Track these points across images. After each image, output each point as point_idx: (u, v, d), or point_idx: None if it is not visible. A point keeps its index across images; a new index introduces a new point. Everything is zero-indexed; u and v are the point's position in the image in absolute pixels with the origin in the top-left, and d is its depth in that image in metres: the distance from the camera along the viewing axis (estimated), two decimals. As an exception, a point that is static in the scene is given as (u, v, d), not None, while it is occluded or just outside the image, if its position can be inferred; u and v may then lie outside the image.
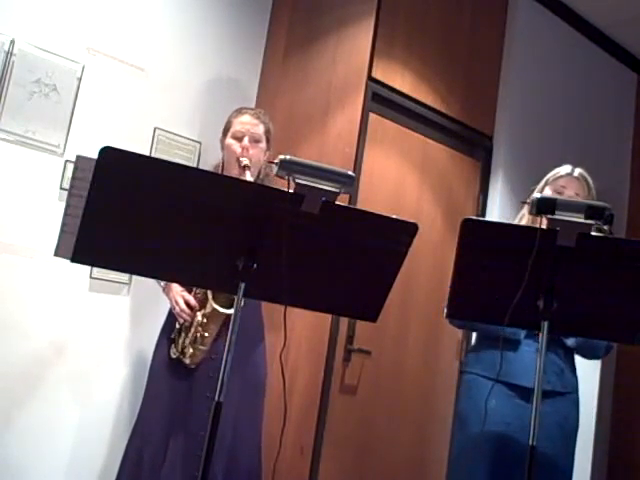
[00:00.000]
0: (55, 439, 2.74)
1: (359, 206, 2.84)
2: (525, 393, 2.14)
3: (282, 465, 2.69)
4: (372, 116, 3.09)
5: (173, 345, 2.42)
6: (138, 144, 2.95)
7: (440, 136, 3.40)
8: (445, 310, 1.81)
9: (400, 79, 3.19)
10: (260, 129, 2.53)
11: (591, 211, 1.61)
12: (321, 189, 1.55)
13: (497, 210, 3.53)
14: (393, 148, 3.22)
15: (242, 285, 1.59)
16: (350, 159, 2.96)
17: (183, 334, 2.41)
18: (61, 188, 2.74)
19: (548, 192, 2.30)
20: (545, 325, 1.68)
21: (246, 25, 3.41)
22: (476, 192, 3.57)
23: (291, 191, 1.53)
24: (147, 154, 2.93)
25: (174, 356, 2.41)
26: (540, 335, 1.69)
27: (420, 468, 3.25)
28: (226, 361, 1.56)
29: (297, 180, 1.53)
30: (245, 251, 1.59)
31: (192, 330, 2.38)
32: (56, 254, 1.96)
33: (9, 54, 2.65)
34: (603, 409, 3.95)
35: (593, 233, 1.64)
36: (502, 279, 1.74)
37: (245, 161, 2.40)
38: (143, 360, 2.80)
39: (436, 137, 3.38)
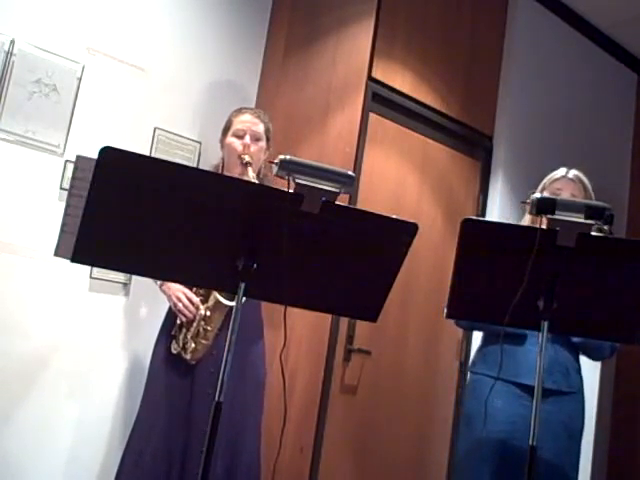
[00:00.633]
0: (54, 438, 2.74)
1: (359, 206, 2.84)
2: (531, 393, 2.14)
3: (282, 465, 2.69)
4: (372, 116, 3.09)
5: (174, 341, 2.43)
6: (138, 144, 2.95)
7: (440, 136, 3.40)
8: (445, 310, 1.81)
9: (400, 79, 3.19)
10: (260, 128, 2.55)
11: (591, 211, 1.61)
12: (321, 189, 1.55)
13: (497, 210, 3.53)
14: (393, 148, 3.22)
15: (242, 285, 1.59)
16: (350, 159, 2.96)
17: (184, 329, 2.41)
18: (61, 188, 2.74)
19: None
20: (545, 325, 1.69)
21: (246, 25, 3.41)
22: (476, 192, 3.58)
23: (291, 191, 1.53)
24: (147, 154, 2.93)
25: (175, 351, 2.41)
26: (540, 335, 1.69)
27: (420, 468, 3.25)
28: (226, 360, 1.56)
29: (297, 180, 1.53)
30: (245, 251, 1.59)
31: (194, 324, 2.38)
32: (56, 254, 1.96)
33: (9, 54, 2.65)
34: (603, 409, 3.95)
35: (593, 233, 1.65)
36: (502, 279, 1.74)
37: (247, 158, 2.42)
38: (142, 360, 2.80)
39: (436, 137, 3.38)
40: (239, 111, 2.61)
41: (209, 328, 2.38)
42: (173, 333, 2.44)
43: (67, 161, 2.77)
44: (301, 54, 3.33)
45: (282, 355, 1.87)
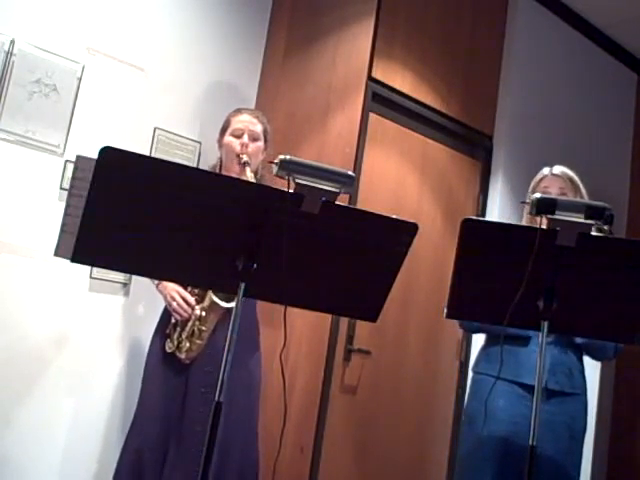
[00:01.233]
0: (54, 437, 2.74)
1: (359, 206, 2.84)
2: (533, 392, 2.14)
3: (282, 465, 2.69)
4: (372, 116, 3.09)
5: (168, 339, 2.43)
6: (138, 144, 2.95)
7: (440, 136, 3.40)
8: (445, 310, 1.81)
9: (400, 79, 3.19)
10: (258, 128, 2.55)
11: (591, 211, 1.61)
12: (321, 189, 1.55)
13: (497, 210, 3.53)
14: (393, 148, 3.22)
15: (242, 285, 1.59)
16: (350, 159, 2.96)
17: (179, 328, 2.41)
18: (61, 188, 2.74)
19: None
20: (545, 325, 1.69)
21: (246, 25, 3.41)
22: (476, 192, 3.58)
23: (291, 191, 1.53)
24: (147, 154, 2.93)
25: (169, 350, 2.41)
26: (540, 335, 1.69)
27: (420, 468, 3.25)
28: (226, 360, 1.56)
29: (297, 180, 1.53)
30: (245, 251, 1.59)
31: (189, 324, 2.38)
32: (56, 254, 1.96)
33: (9, 54, 2.65)
34: (603, 409, 3.95)
35: (593, 233, 1.65)
36: (502, 279, 1.74)
37: (245, 157, 2.42)
38: (142, 359, 2.79)
39: (436, 137, 3.38)
40: (237, 111, 2.61)
41: (204, 328, 2.38)
42: (167, 332, 2.44)
43: (67, 161, 2.77)
44: (301, 54, 3.33)
45: (282, 355, 1.87)
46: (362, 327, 2.98)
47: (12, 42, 2.66)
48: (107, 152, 1.44)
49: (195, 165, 3.07)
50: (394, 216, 1.65)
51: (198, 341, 2.38)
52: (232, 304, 2.23)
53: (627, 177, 4.43)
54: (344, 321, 2.95)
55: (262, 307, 2.57)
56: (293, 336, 2.89)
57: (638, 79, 4.52)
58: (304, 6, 3.40)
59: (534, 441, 1.65)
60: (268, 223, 1.58)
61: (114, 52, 2.94)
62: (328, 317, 2.87)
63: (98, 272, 2.85)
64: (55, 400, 2.75)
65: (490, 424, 2.13)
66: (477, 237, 1.72)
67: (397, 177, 3.22)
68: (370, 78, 3.05)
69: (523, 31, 3.72)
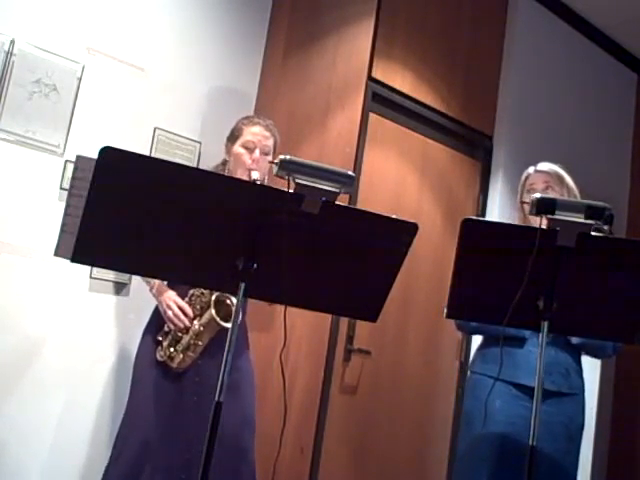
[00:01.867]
0: (54, 438, 2.74)
1: (359, 206, 2.84)
2: (530, 393, 2.13)
3: (282, 465, 2.69)
4: (372, 116, 3.09)
5: (160, 348, 2.39)
6: (138, 144, 2.95)
7: (440, 136, 3.40)
8: (445, 310, 1.81)
9: (400, 79, 3.19)
10: (270, 142, 2.50)
11: (591, 211, 1.61)
12: (321, 189, 1.55)
13: (497, 210, 3.53)
14: (393, 148, 3.22)
15: (242, 285, 1.59)
16: (350, 159, 2.96)
17: (171, 338, 2.37)
18: (61, 188, 2.74)
19: (526, 197, 2.32)
20: (545, 325, 1.68)
21: (246, 25, 3.41)
22: (476, 192, 3.58)
23: (291, 191, 1.53)
24: (147, 154, 2.93)
25: (160, 359, 2.37)
26: (540, 335, 1.69)
27: (420, 468, 3.25)
28: (226, 361, 1.56)
29: (297, 180, 1.53)
30: (245, 251, 1.59)
31: (186, 337, 2.36)
32: (56, 254, 1.96)
33: (9, 54, 2.65)
34: (603, 409, 3.95)
35: (593, 233, 1.65)
36: (502, 279, 1.74)
37: (255, 175, 2.35)
38: (143, 360, 2.80)
39: (436, 137, 3.39)
40: (250, 120, 2.55)
41: (200, 343, 2.34)
42: (159, 339, 2.40)
43: (67, 161, 2.77)
44: (301, 54, 3.33)
45: (282, 355, 1.88)
46: (362, 327, 2.98)
47: (12, 42, 2.66)
48: (107, 152, 1.44)
49: (195, 165, 3.07)
50: (394, 216, 1.65)
51: (191, 354, 2.34)
52: (227, 324, 2.23)
53: (627, 177, 4.43)
54: (344, 321, 2.95)
55: (260, 309, 2.56)
56: (293, 336, 2.88)
57: (638, 79, 4.52)
58: (304, 6, 3.40)
59: (534, 441, 1.65)
60: (268, 223, 1.58)
61: (114, 52, 2.94)
62: (328, 317, 2.87)
63: (98, 272, 2.85)
64: (55, 400, 2.75)
65: (487, 424, 2.13)
66: (477, 237, 1.72)
67: (397, 177, 3.22)
68: (370, 78, 3.05)
69: (523, 31, 3.72)
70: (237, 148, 2.49)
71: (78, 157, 1.96)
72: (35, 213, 2.70)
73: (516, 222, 2.36)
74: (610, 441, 4.04)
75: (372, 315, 1.77)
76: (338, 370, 2.95)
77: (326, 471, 2.87)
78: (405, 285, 3.07)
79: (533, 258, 1.63)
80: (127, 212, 1.54)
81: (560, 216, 1.62)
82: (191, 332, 2.35)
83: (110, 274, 2.88)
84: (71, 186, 1.96)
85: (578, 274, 1.71)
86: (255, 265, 1.59)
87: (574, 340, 2.22)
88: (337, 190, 1.56)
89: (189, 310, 2.37)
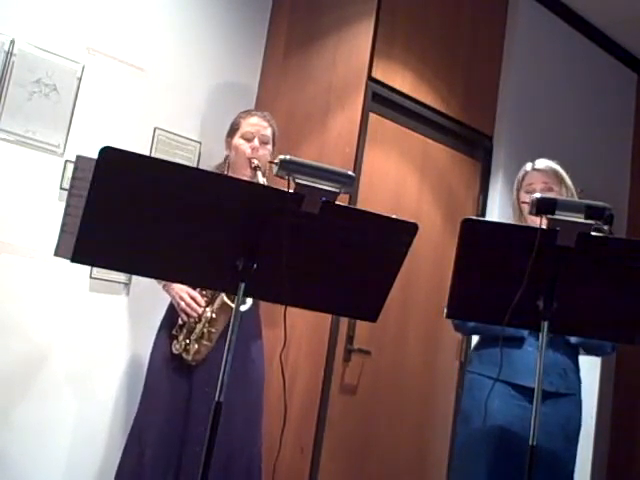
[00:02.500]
0: (54, 438, 2.74)
1: (359, 206, 2.84)
2: (528, 394, 2.13)
3: (282, 465, 2.69)
4: (372, 116, 3.09)
5: (175, 341, 2.43)
6: (138, 144, 2.95)
7: (440, 136, 3.40)
8: (445, 310, 1.81)
9: (400, 79, 3.19)
10: (268, 131, 2.58)
11: (591, 211, 1.61)
12: (321, 189, 1.55)
13: (497, 210, 3.53)
14: (393, 148, 3.22)
15: (242, 285, 1.59)
16: (350, 159, 2.96)
17: (185, 330, 2.41)
18: (61, 188, 2.74)
19: (523, 196, 2.31)
20: (545, 325, 1.68)
21: (246, 25, 3.41)
22: (476, 192, 3.58)
23: (291, 191, 1.53)
24: (147, 154, 2.93)
25: (176, 352, 2.41)
26: (540, 335, 1.69)
27: (420, 468, 3.25)
28: (226, 361, 1.56)
29: (297, 180, 1.53)
30: (245, 251, 1.59)
31: (199, 326, 2.38)
32: (56, 254, 1.96)
33: (9, 54, 2.65)
34: (603, 409, 3.95)
35: (593, 233, 1.64)
36: (502, 279, 1.74)
37: (256, 162, 2.44)
38: (142, 360, 2.80)
39: (436, 137, 3.38)
40: (247, 113, 2.64)
41: (213, 330, 2.39)
42: (174, 332, 2.44)
43: (67, 161, 2.77)
44: (301, 54, 3.33)
45: (282, 355, 1.88)
46: (362, 327, 2.98)
47: (12, 42, 2.66)
48: (107, 152, 1.44)
49: (195, 165, 3.07)
50: (394, 216, 1.65)
51: (207, 343, 2.38)
52: (245, 306, 2.24)
53: (627, 177, 4.43)
54: (344, 321, 2.95)
55: (262, 306, 2.57)
56: (293, 336, 2.88)
57: (638, 79, 4.52)
58: (304, 6, 3.40)
59: (534, 441, 1.65)
60: (268, 223, 1.58)
61: (114, 52, 2.94)
62: (328, 317, 2.87)
63: (98, 272, 2.85)
64: (55, 400, 2.74)
65: (486, 424, 2.12)
66: (477, 237, 1.72)
67: (397, 177, 3.22)
68: (370, 78, 3.05)
69: (523, 31, 3.72)
70: (236, 140, 2.56)
71: (78, 157, 1.96)
72: (35, 213, 2.70)
73: (511, 221, 2.35)
74: (610, 441, 4.03)
75: (372, 315, 1.77)
76: (338, 370, 2.95)
77: (326, 471, 2.87)
78: (405, 285, 3.07)
79: (533, 258, 1.63)
80: (127, 212, 1.54)
81: (560, 216, 1.62)
82: (203, 319, 2.37)
83: (110, 274, 2.88)
84: (71, 186, 1.96)
85: (578, 274, 1.71)
86: (255, 265, 1.59)
87: (573, 340, 2.21)
88: (337, 190, 1.56)
89: (200, 298, 2.40)
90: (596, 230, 1.65)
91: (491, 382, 2.12)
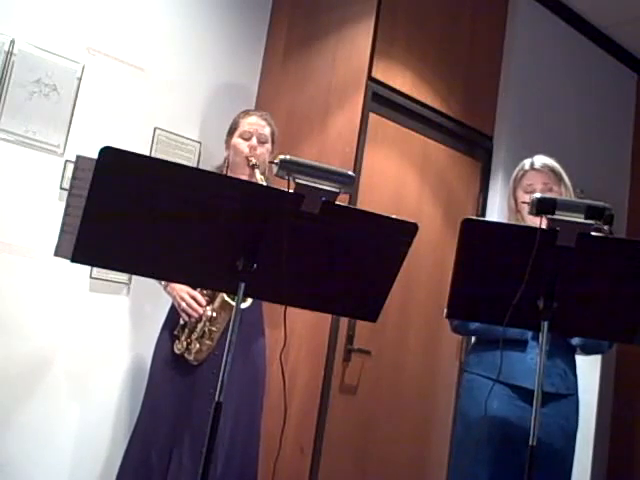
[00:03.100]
0: (55, 438, 2.74)
1: (359, 206, 2.84)
2: (527, 395, 2.12)
3: (282, 465, 2.69)
4: (372, 116, 3.09)
5: (177, 341, 2.43)
6: (138, 144, 2.95)
7: (440, 136, 3.40)
8: (445, 310, 1.81)
9: (400, 79, 3.19)
10: (267, 130, 2.59)
11: (591, 211, 1.61)
12: (321, 189, 1.55)
13: (497, 210, 3.53)
14: (393, 148, 3.22)
15: (242, 285, 1.59)
16: (350, 159, 2.96)
17: (187, 330, 2.42)
18: (61, 188, 2.74)
19: (522, 196, 2.30)
20: (545, 325, 1.68)
21: (246, 25, 3.41)
22: (476, 192, 3.58)
23: (291, 191, 1.53)
24: (147, 154, 2.93)
25: (178, 352, 2.41)
26: (540, 335, 1.69)
27: (420, 468, 3.25)
28: (226, 361, 1.56)
29: (297, 180, 1.53)
30: (245, 251, 1.59)
31: (200, 325, 2.39)
32: (56, 254, 1.96)
33: (9, 54, 2.65)
34: (603, 409, 3.95)
35: (593, 233, 1.64)
36: (502, 279, 1.74)
37: (254, 160, 2.46)
38: (143, 360, 2.81)
39: (436, 137, 3.38)
40: (246, 113, 2.65)
41: (214, 329, 2.39)
42: (175, 333, 2.44)
43: (67, 161, 2.77)
44: (301, 54, 3.33)
45: (282, 355, 1.88)
46: (362, 327, 2.98)
47: (12, 42, 2.66)
48: (107, 152, 1.44)
49: (195, 165, 3.07)
50: (394, 216, 1.65)
51: (208, 342, 2.38)
52: (245, 304, 2.24)
53: (627, 177, 4.43)
54: (344, 321, 2.95)
55: (264, 306, 2.57)
56: (293, 336, 2.88)
57: (638, 79, 4.52)
58: (304, 6, 3.40)
59: (534, 441, 1.65)
60: (268, 223, 1.58)
61: (114, 52, 2.94)
62: (328, 317, 2.87)
63: (98, 272, 2.85)
64: (56, 400, 2.75)
65: (485, 425, 2.11)
66: (477, 237, 1.72)
67: (397, 177, 3.22)
68: (370, 78, 3.05)
69: (523, 31, 3.72)
70: (235, 139, 2.57)
71: (78, 157, 1.95)
72: (35, 213, 2.70)
73: (506, 220, 2.35)
74: (610, 441, 4.04)
75: (372, 315, 1.77)
76: (338, 370, 2.95)
77: (326, 471, 2.87)
78: (405, 285, 3.07)
79: (533, 258, 1.63)
80: (127, 212, 1.54)
81: (560, 216, 1.62)
82: (204, 318, 2.38)
83: (110, 274, 2.88)
84: (71, 186, 1.95)
85: (578, 274, 1.71)
86: (255, 265, 1.59)
87: (574, 341, 2.21)
88: (337, 190, 1.56)
89: (201, 298, 2.40)
90: (596, 230, 1.65)
91: (490, 383, 2.12)
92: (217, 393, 1.54)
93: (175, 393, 2.40)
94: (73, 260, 1.54)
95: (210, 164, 2.75)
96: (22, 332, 2.66)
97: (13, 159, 2.67)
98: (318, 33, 3.28)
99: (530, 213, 1.67)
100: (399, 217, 1.65)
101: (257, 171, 2.38)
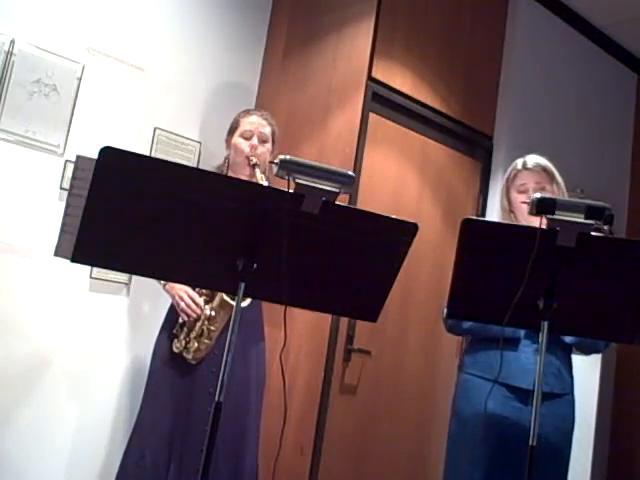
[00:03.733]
0: (55, 438, 2.74)
1: (359, 206, 2.84)
2: (523, 395, 2.13)
3: (282, 465, 2.69)
4: (372, 116, 3.09)
5: (176, 340, 2.43)
6: (138, 144, 2.95)
7: (440, 136, 3.40)
8: (445, 310, 1.81)
9: (400, 79, 3.19)
10: (267, 130, 2.59)
11: (591, 211, 1.61)
12: (321, 189, 1.55)
13: (497, 210, 3.50)
14: (393, 148, 3.22)
15: (242, 285, 1.59)
16: (350, 159, 2.96)
17: (186, 329, 2.42)
18: (61, 188, 2.74)
19: (516, 196, 2.30)
20: (545, 325, 1.68)
21: (246, 25, 3.41)
22: (476, 192, 3.58)
23: (291, 191, 1.53)
24: (147, 154, 2.93)
25: (177, 350, 2.41)
26: (540, 335, 1.69)
27: (420, 468, 3.25)
28: (226, 361, 1.56)
29: (297, 180, 1.53)
30: (245, 251, 1.59)
31: (199, 324, 2.39)
32: (56, 254, 1.96)
33: (9, 54, 2.65)
34: (603, 409, 3.95)
35: (593, 233, 1.64)
36: (502, 279, 1.73)
37: (254, 160, 2.46)
38: (143, 360, 2.80)
39: (436, 137, 3.38)
40: (246, 112, 2.65)
41: (213, 328, 2.39)
42: (174, 332, 2.44)
43: (67, 161, 2.77)
44: (301, 54, 3.33)
45: (282, 355, 1.88)
46: (362, 327, 2.98)
47: (12, 42, 2.66)
48: (107, 152, 1.44)
49: (195, 165, 3.07)
50: (394, 216, 1.65)
51: (206, 341, 2.38)
52: (244, 303, 2.24)
53: (627, 177, 4.43)
54: (344, 321, 2.95)
55: (263, 305, 2.57)
56: (293, 336, 2.89)
57: (638, 79, 4.52)
58: (304, 6, 3.40)
59: (534, 441, 1.65)
60: (268, 223, 1.58)
61: (114, 52, 2.94)
62: (328, 317, 2.87)
63: (98, 272, 2.85)
64: (56, 400, 2.75)
65: (481, 426, 2.11)
66: (477, 237, 1.71)
67: (397, 177, 3.22)
68: (370, 78, 3.05)
69: (523, 31, 3.72)
70: (235, 139, 2.57)
71: (78, 157, 1.95)
72: (35, 213, 2.70)
73: (499, 220, 2.34)
74: (610, 441, 4.03)
75: (372, 315, 1.77)
76: (338, 370, 2.95)
77: (326, 471, 2.87)
78: (405, 285, 3.07)
79: (533, 258, 1.63)
80: (127, 212, 1.54)
81: (560, 216, 1.62)
82: (203, 317, 2.38)
83: (110, 274, 2.88)
84: (71, 186, 1.95)
85: (578, 274, 1.71)
86: (255, 265, 1.59)
87: (568, 339, 2.20)
88: (337, 190, 1.56)
89: (199, 299, 2.40)
90: (596, 230, 1.65)
91: (486, 383, 2.11)
92: (217, 393, 1.54)
93: (174, 392, 2.40)
94: (73, 260, 1.54)
95: (210, 164, 2.75)
96: (22, 332, 2.66)
97: (13, 159, 2.67)
98: (318, 33, 3.28)
99: (530, 213, 1.66)
100: (399, 217, 1.65)
101: (258, 170, 2.39)
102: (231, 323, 1.60)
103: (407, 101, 3.24)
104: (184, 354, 2.40)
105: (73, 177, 1.95)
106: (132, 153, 1.48)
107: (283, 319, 1.64)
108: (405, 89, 3.21)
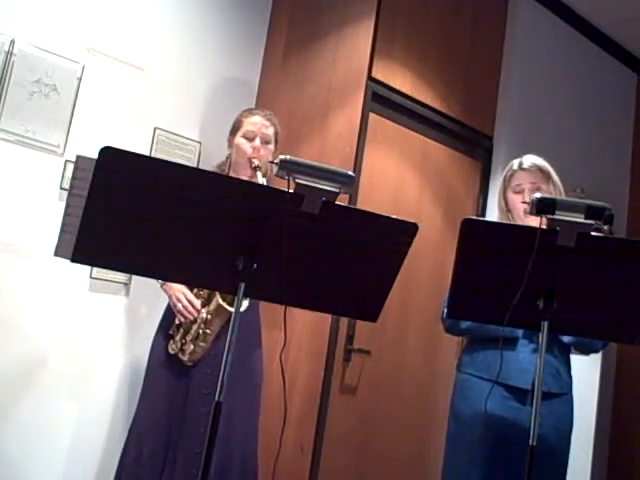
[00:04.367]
0: (54, 438, 2.75)
1: (359, 206, 2.84)
2: (521, 395, 2.12)
3: (282, 465, 2.68)
4: (372, 116, 3.09)
5: (172, 341, 2.43)
6: (138, 144, 2.95)
7: (440, 136, 3.40)
8: (445, 310, 1.81)
9: (400, 79, 3.19)
10: (270, 131, 2.56)
11: (591, 211, 1.61)
12: (321, 189, 1.55)
13: (497, 210, 3.52)
14: (393, 148, 3.22)
15: (242, 285, 1.59)
16: (350, 159, 2.96)
17: (182, 330, 2.41)
18: (61, 188, 2.74)
19: (512, 197, 2.30)
20: (545, 325, 1.68)
21: (246, 25, 3.41)
22: (476, 192, 3.58)
23: (291, 191, 1.53)
24: (147, 154, 2.93)
25: (172, 352, 2.41)
26: (540, 335, 1.69)
27: (420, 468, 3.25)
28: (226, 361, 1.56)
29: (297, 180, 1.53)
30: (245, 251, 1.59)
31: (195, 327, 2.38)
32: (56, 254, 1.96)
33: (9, 54, 2.65)
34: (603, 409, 3.95)
35: (593, 233, 1.64)
36: (502, 279, 1.73)
37: (256, 162, 2.42)
38: (142, 360, 2.79)
39: (436, 137, 3.38)
40: (249, 112, 2.62)
41: (209, 331, 2.38)
42: (170, 332, 2.44)
43: (67, 161, 2.77)
44: (301, 54, 3.33)
45: (282, 355, 1.88)
46: (362, 327, 2.98)
47: (12, 42, 2.66)
48: (107, 152, 1.44)
49: (195, 165, 3.07)
50: (394, 216, 1.65)
51: (202, 344, 2.38)
52: (242, 307, 2.23)
53: (627, 177, 4.43)
54: (344, 321, 2.95)
55: (263, 307, 2.57)
56: (293, 336, 2.89)
57: (638, 79, 4.52)
58: (304, 6, 3.40)
59: (534, 441, 1.65)
60: (268, 223, 1.58)
61: (114, 52, 2.94)
62: (328, 317, 2.87)
63: (98, 272, 2.85)
64: (55, 399, 2.75)
65: (479, 426, 2.11)
66: (477, 237, 1.71)
67: (397, 177, 3.22)
68: (370, 78, 3.05)
69: (523, 31, 3.72)
70: (238, 139, 2.54)
71: (78, 157, 1.95)
72: (35, 213, 2.70)
73: (497, 220, 2.34)
74: (610, 441, 4.04)
75: (372, 315, 1.77)
76: (338, 370, 2.95)
77: (326, 471, 2.87)
78: (405, 285, 3.07)
79: (533, 258, 1.63)
80: (127, 212, 1.54)
81: (560, 216, 1.62)
82: (199, 320, 2.37)
83: (110, 274, 2.88)
84: (71, 186, 1.95)
85: (578, 274, 1.71)
86: (255, 265, 1.59)
87: (566, 339, 2.20)
88: (337, 190, 1.56)
89: (196, 301, 2.39)
90: (596, 230, 1.65)
91: (484, 383, 2.11)
92: (217, 393, 1.54)
93: (169, 393, 2.39)
94: (73, 260, 1.54)
95: (210, 164, 2.74)
96: (22, 331, 2.66)
97: (13, 159, 2.67)
98: (318, 33, 3.28)
99: (530, 213, 1.66)
100: (399, 217, 1.65)
101: (259, 173, 2.36)
102: (231, 322, 1.60)
103: (407, 101, 3.24)
104: (180, 355, 2.40)
105: (73, 177, 1.96)
106: (132, 153, 1.48)
107: (283, 319, 1.65)
108: (405, 89, 3.21)
